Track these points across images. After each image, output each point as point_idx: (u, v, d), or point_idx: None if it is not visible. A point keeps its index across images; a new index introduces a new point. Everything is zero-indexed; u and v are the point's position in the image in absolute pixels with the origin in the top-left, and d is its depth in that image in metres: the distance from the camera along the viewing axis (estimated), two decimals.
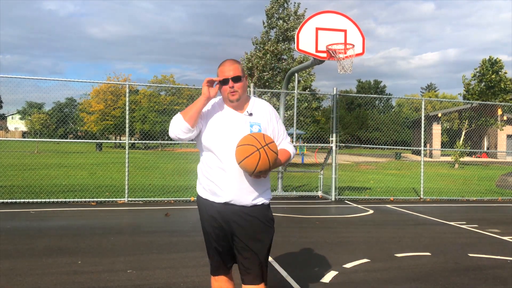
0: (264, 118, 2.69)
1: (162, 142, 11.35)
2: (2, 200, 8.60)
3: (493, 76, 27.05)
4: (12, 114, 63.85)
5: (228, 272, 2.85)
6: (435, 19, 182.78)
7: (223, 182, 2.59)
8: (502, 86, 27.07)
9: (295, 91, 11.17)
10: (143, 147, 38.86)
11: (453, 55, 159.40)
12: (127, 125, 9.43)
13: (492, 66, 27.78)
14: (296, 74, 11.55)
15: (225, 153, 2.58)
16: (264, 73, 21.80)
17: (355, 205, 9.59)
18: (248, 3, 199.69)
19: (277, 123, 2.76)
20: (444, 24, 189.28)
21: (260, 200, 2.65)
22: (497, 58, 27.90)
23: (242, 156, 2.45)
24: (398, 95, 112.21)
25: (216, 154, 2.61)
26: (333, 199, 10.22)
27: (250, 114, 2.66)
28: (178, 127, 2.56)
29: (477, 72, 28.53)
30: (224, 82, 2.57)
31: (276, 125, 2.74)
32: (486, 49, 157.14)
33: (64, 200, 8.89)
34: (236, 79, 2.56)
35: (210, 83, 2.57)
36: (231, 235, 2.66)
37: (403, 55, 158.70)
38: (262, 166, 2.45)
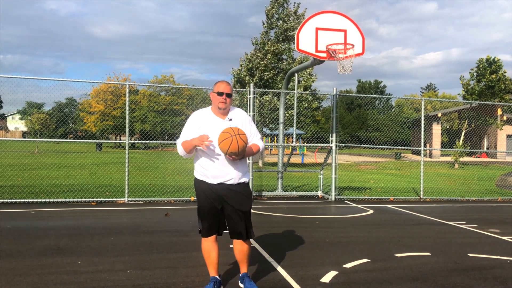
0: (240, 122, 3.76)
1: (162, 142, 11.31)
2: (2, 200, 8.60)
3: (493, 76, 26.94)
4: (12, 114, 63.88)
5: (214, 233, 3.82)
6: (438, 19, 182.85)
7: (213, 169, 3.68)
8: (502, 86, 26.95)
9: (295, 91, 11.17)
10: (143, 147, 38.89)
11: (456, 55, 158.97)
12: (127, 125, 9.43)
13: (490, 65, 27.64)
14: (296, 74, 11.55)
15: (213, 148, 3.61)
16: (265, 73, 21.81)
17: (355, 205, 9.59)
18: (250, 2, 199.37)
19: (250, 125, 3.83)
20: (447, 23, 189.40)
21: (242, 179, 3.74)
22: (495, 57, 27.75)
23: (220, 140, 3.48)
24: (398, 95, 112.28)
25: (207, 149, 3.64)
26: (333, 199, 10.22)
27: (230, 120, 3.74)
28: (183, 154, 3.73)
29: (474, 72, 28.42)
30: (220, 94, 3.67)
31: (249, 127, 3.80)
32: (489, 49, 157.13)
33: (64, 200, 8.89)
34: (228, 95, 3.71)
35: (205, 144, 3.53)
36: (221, 206, 3.71)
37: (405, 55, 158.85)
38: (232, 149, 3.45)
